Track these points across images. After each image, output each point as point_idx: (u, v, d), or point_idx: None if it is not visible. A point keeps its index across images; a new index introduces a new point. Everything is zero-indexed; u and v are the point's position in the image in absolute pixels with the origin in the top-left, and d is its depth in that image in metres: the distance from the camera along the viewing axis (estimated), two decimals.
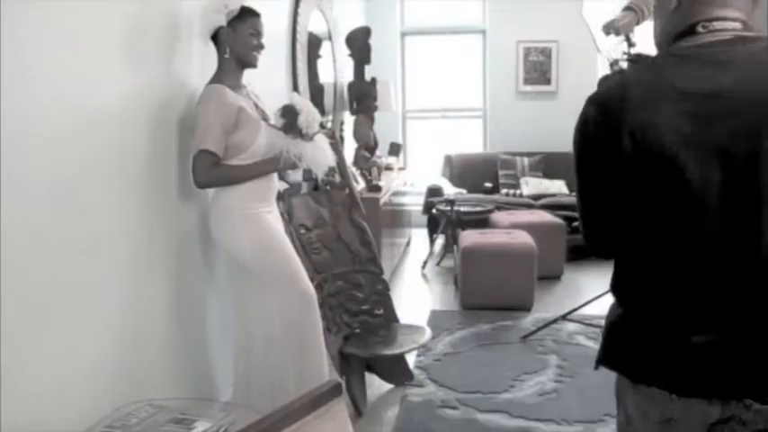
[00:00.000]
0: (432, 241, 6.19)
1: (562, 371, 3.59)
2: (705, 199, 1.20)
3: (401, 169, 6.33)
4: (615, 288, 1.37)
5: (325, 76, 5.16)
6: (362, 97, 5.42)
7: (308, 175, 2.93)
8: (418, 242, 6.63)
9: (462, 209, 5.74)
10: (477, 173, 6.82)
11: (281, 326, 2.73)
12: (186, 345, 2.70)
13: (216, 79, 2.63)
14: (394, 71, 7.09)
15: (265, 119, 2.75)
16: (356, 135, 5.40)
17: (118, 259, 2.21)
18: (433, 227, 6.21)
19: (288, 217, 3.13)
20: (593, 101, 1.31)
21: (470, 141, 7.43)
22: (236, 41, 2.62)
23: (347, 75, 5.59)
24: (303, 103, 2.78)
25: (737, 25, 1.27)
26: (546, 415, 3.09)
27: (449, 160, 7.03)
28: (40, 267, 1.83)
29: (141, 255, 2.36)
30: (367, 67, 5.56)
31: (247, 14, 2.63)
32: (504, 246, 4.67)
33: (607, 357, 1.37)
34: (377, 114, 5.66)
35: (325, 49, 5.18)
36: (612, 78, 1.33)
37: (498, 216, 5.67)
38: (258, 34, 2.67)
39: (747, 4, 1.31)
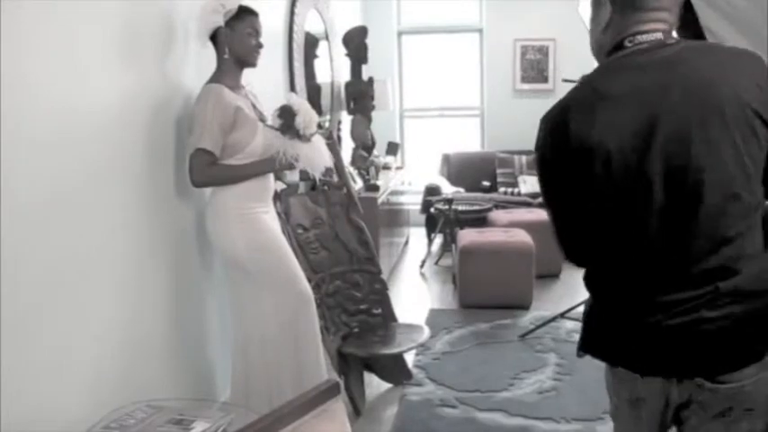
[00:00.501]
0: (430, 240, 6.19)
1: (561, 369, 3.59)
2: (648, 196, 1.34)
3: (399, 168, 6.33)
4: (586, 280, 1.53)
5: (323, 75, 5.16)
6: (359, 97, 5.42)
7: (306, 175, 2.92)
8: (416, 241, 6.63)
9: (460, 208, 5.74)
10: (475, 171, 6.81)
11: (277, 325, 2.73)
12: (184, 345, 2.70)
13: (214, 79, 2.63)
14: (391, 70, 7.09)
15: (263, 119, 2.75)
16: (353, 134, 5.40)
17: (116, 260, 2.21)
18: (431, 226, 6.21)
19: (285, 217, 3.13)
20: (543, 120, 1.46)
21: (468, 140, 7.43)
22: (234, 41, 2.62)
23: (344, 74, 5.59)
24: (300, 103, 2.79)
25: (659, 36, 1.39)
26: (545, 413, 3.09)
27: (446, 159, 7.03)
28: (39, 268, 1.83)
29: (139, 255, 2.36)
30: (364, 67, 5.56)
31: (245, 14, 2.63)
32: (503, 244, 4.67)
33: (585, 344, 1.53)
34: (374, 114, 5.66)
35: (322, 48, 5.19)
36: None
37: (496, 215, 5.67)
38: (257, 33, 2.67)
39: (672, 15, 1.43)
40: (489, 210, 5.80)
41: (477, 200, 6.09)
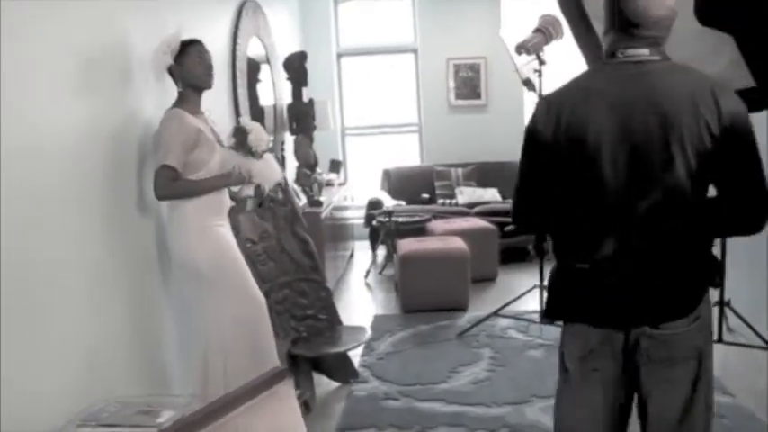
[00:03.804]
0: (374, 252, 6.50)
1: (494, 361, 3.92)
2: (611, 176, 1.65)
3: (341, 185, 6.62)
4: (554, 249, 1.83)
5: (266, 98, 5.43)
6: (301, 117, 5.70)
7: (258, 192, 3.20)
8: (362, 254, 6.93)
9: (400, 219, 6.07)
10: (415, 185, 7.16)
11: (235, 331, 2.98)
12: (144, 349, 2.90)
13: (176, 105, 2.90)
14: (331, 91, 7.41)
15: (219, 142, 3.02)
16: (297, 154, 5.68)
17: (80, 269, 2.42)
18: (374, 238, 6.53)
19: (235, 231, 3.38)
20: (543, 98, 1.81)
21: (407, 155, 7.78)
22: (185, 73, 2.89)
23: (286, 97, 5.87)
24: (252, 124, 3.07)
25: (646, 52, 1.69)
26: (478, 400, 3.42)
27: (387, 174, 7.37)
28: (8, 278, 2.03)
29: (103, 265, 2.58)
30: (305, 88, 5.84)
31: (188, 46, 2.90)
32: (439, 251, 5.01)
33: (548, 309, 1.85)
34: (316, 133, 5.93)
35: (264, 73, 5.46)
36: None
37: (435, 224, 6.02)
38: (202, 59, 2.94)
39: (663, 30, 1.71)
40: (428, 220, 6.14)
41: (416, 211, 6.43)
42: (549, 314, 1.87)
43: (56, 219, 2.31)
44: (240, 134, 2.94)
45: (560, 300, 1.82)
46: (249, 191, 3.24)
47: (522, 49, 4.06)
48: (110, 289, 2.64)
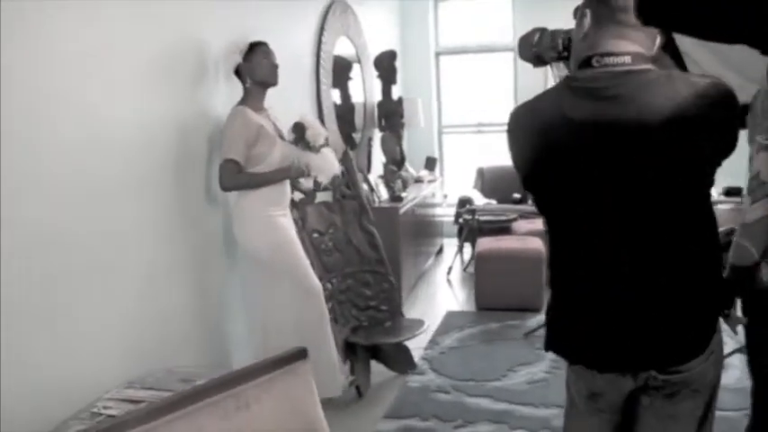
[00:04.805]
0: (460, 248, 6.55)
1: (555, 364, 3.89)
2: (588, 220, 1.50)
3: (431, 181, 6.72)
4: (550, 274, 1.66)
5: (357, 96, 5.64)
6: (390, 115, 5.86)
7: (318, 186, 3.41)
8: (451, 250, 6.99)
9: (483, 218, 6.10)
10: (507, 184, 7.10)
11: (289, 312, 3.18)
12: (209, 324, 3.17)
13: (241, 103, 3.14)
14: (429, 89, 7.52)
15: (281, 136, 3.23)
16: (383, 150, 5.84)
17: (147, 249, 2.71)
18: (461, 235, 6.58)
19: (301, 223, 3.59)
20: (511, 117, 1.64)
21: (503, 154, 7.70)
22: (252, 70, 3.12)
23: (377, 95, 6.05)
24: (310, 120, 3.27)
25: (627, 59, 1.45)
26: (528, 400, 3.43)
27: (480, 173, 7.36)
28: (86, 253, 2.35)
29: (170, 249, 2.86)
30: (401, 85, 5.99)
31: (256, 46, 3.14)
32: (515, 251, 5.02)
33: (548, 341, 1.66)
34: (413, 130, 6.07)
35: (355, 71, 5.66)
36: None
37: (519, 224, 6.01)
38: (269, 57, 3.16)
39: (647, 39, 1.49)
40: (513, 220, 6.13)
41: (504, 211, 6.42)
42: (548, 347, 1.67)
43: (130, 204, 2.60)
44: (299, 130, 3.15)
45: (557, 334, 1.65)
46: (309, 184, 3.43)
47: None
48: (177, 270, 2.91)
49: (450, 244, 7.08)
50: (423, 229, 6.08)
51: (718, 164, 1.47)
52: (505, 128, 1.67)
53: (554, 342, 1.65)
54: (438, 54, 7.76)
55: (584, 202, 1.50)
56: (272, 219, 3.18)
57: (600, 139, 1.44)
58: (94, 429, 1.56)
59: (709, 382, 1.56)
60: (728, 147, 1.46)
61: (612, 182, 1.45)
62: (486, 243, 5.23)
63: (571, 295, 1.60)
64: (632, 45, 1.47)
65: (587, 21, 1.52)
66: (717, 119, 1.43)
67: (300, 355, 2.08)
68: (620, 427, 1.67)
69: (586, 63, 1.50)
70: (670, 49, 2.98)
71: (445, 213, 7.08)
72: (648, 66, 1.47)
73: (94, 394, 2.24)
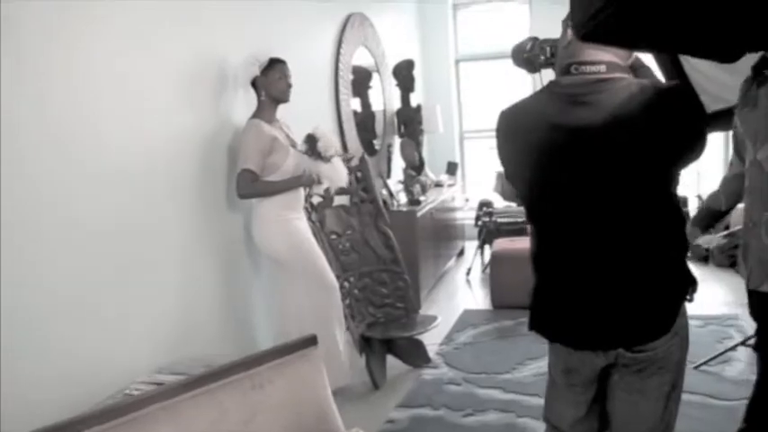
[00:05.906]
0: (480, 250, 6.72)
1: None
2: (563, 214, 1.66)
3: (451, 186, 6.91)
4: (533, 262, 1.83)
5: (376, 103, 5.86)
6: (409, 122, 6.07)
7: (327, 192, 3.65)
8: (472, 252, 7.15)
9: (501, 220, 6.27)
10: None
11: (308, 308, 3.41)
12: (235, 318, 3.42)
13: (255, 115, 3.37)
14: (449, 95, 7.71)
15: (294, 146, 3.46)
16: (402, 155, 6.05)
17: (176, 253, 2.97)
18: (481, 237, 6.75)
19: (319, 225, 3.82)
20: (499, 118, 1.81)
21: None
22: (268, 85, 3.35)
23: (396, 102, 6.26)
24: (322, 131, 3.49)
25: (602, 68, 1.59)
26: (535, 390, 3.58)
27: (500, 176, 7.52)
28: (128, 250, 2.64)
29: (197, 249, 3.12)
30: (420, 92, 6.20)
31: (275, 63, 3.36)
32: (528, 250, 5.16)
33: (531, 323, 1.84)
34: (434, 136, 6.25)
35: (375, 80, 5.89)
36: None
37: None
38: (285, 77, 3.38)
39: (623, 50, 1.61)
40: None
41: (519, 213, 6.57)
42: (531, 327, 1.85)
43: (159, 210, 2.86)
44: (311, 141, 3.38)
45: (538, 316, 1.82)
46: (320, 190, 3.65)
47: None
48: (204, 267, 3.17)
49: (472, 246, 7.24)
50: (442, 232, 6.26)
51: (684, 165, 1.63)
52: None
53: (536, 323, 1.83)
54: (458, 61, 7.95)
55: (559, 199, 1.66)
56: (288, 222, 3.41)
57: (572, 140, 1.60)
58: (126, 402, 1.79)
59: (675, 361, 1.72)
60: (694, 151, 1.60)
61: (583, 180, 1.62)
62: (501, 244, 5.41)
63: (550, 282, 1.78)
64: (608, 55, 1.61)
65: (570, 31, 1.65)
66: (681, 124, 1.55)
67: (311, 341, 2.29)
68: (595, 402, 1.85)
69: (567, 70, 1.64)
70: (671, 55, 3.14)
71: (467, 216, 7.26)
72: (623, 74, 1.61)
73: (129, 378, 2.49)
